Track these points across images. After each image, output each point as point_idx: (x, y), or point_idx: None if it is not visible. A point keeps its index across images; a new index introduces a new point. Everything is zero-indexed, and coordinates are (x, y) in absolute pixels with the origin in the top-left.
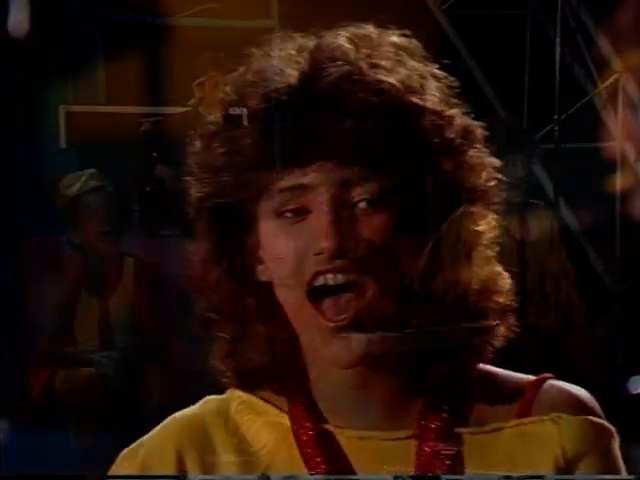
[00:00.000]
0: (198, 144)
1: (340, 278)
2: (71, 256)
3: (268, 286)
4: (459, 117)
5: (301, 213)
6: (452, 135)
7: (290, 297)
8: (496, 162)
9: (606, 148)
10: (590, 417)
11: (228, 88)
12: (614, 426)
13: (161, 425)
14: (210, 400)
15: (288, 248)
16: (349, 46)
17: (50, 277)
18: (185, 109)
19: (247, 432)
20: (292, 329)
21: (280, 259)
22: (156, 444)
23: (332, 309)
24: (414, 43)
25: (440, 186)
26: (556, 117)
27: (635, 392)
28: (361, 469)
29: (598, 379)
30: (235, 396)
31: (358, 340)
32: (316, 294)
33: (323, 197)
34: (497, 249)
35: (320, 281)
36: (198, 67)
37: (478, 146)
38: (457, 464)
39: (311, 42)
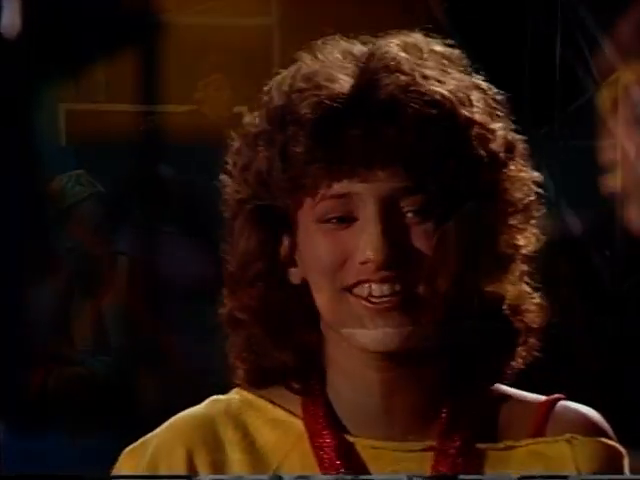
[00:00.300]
0: (238, 144)
1: (385, 289)
2: (64, 257)
3: (298, 288)
4: (501, 130)
5: (346, 220)
6: (496, 147)
7: (327, 292)
8: (537, 176)
9: (607, 146)
10: (604, 439)
11: (274, 93)
12: (615, 427)
13: (168, 424)
14: (217, 400)
15: (330, 252)
16: (403, 55)
17: (45, 278)
18: (188, 108)
19: (257, 435)
20: (317, 334)
21: (320, 262)
22: (165, 443)
23: (374, 293)
24: (456, 53)
25: (483, 198)
26: (556, 115)
27: None
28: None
29: (597, 379)
30: (243, 397)
31: (395, 326)
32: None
33: (372, 207)
34: (532, 264)
35: (364, 290)
36: (201, 69)
37: (519, 159)
38: None
39: (355, 47)
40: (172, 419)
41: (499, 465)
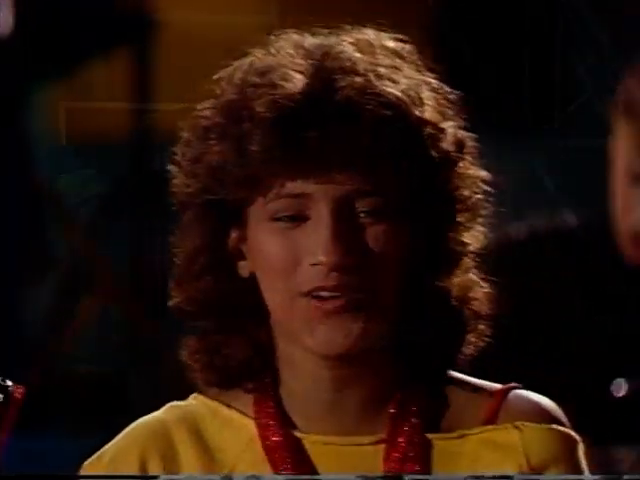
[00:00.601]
0: (187, 136)
1: (335, 292)
2: (63, 257)
3: (247, 282)
4: (451, 128)
5: (297, 219)
6: (446, 146)
7: (278, 294)
8: (485, 175)
9: (607, 145)
10: (555, 426)
11: (225, 85)
12: (613, 426)
13: (124, 433)
14: (174, 406)
15: (282, 254)
16: (358, 55)
17: (44, 278)
18: (183, 106)
19: (211, 438)
20: (267, 329)
21: (272, 263)
22: (119, 451)
23: (323, 294)
24: (407, 48)
25: (434, 197)
26: (556, 115)
27: (617, 395)
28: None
29: (596, 379)
30: (200, 401)
31: (345, 329)
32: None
33: (325, 208)
34: (479, 259)
35: (314, 292)
36: (200, 67)
37: (469, 157)
38: (424, 470)
39: (306, 40)
40: (128, 427)
41: (451, 454)
